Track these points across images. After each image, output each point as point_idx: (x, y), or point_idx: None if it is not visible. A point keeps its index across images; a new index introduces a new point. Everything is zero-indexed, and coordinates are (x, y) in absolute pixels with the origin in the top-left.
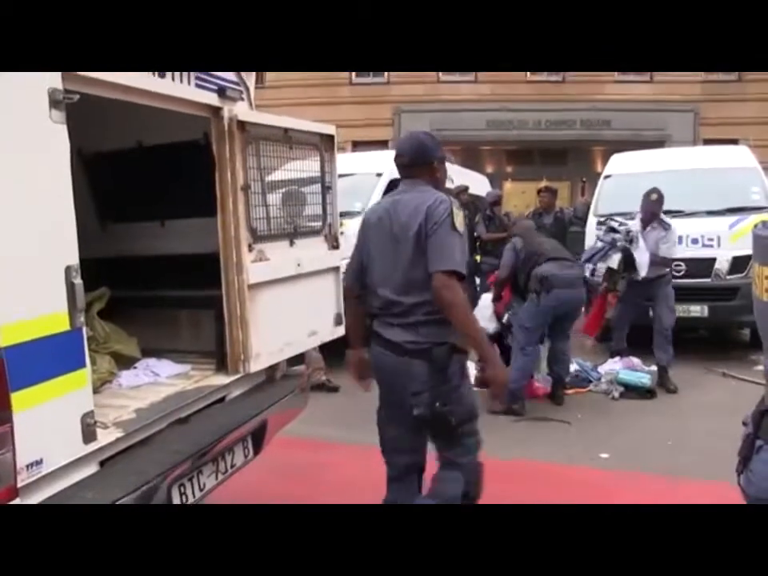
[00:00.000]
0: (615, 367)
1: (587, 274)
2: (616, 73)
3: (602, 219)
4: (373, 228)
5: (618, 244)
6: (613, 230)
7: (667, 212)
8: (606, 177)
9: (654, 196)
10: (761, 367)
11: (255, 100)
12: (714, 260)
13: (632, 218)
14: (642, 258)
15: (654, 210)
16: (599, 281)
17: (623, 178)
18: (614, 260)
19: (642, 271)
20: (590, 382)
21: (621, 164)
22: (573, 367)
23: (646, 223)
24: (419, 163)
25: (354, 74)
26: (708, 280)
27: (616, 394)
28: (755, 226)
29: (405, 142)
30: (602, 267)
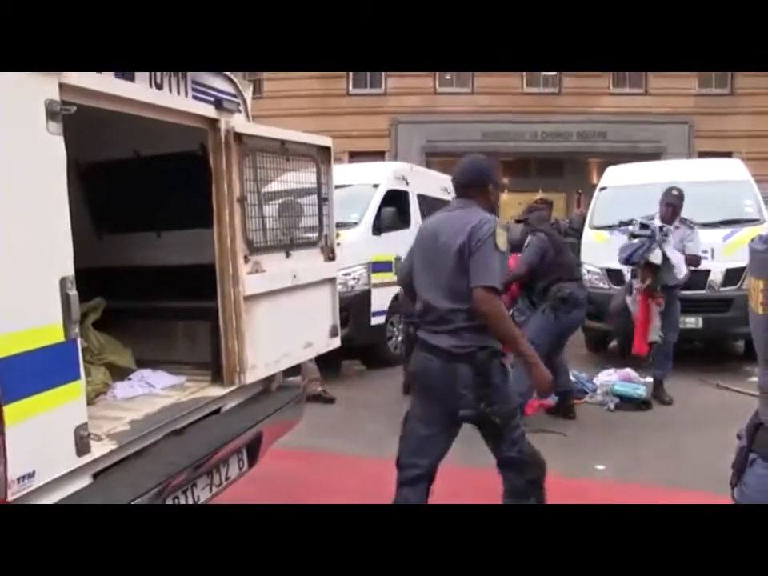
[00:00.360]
0: (611, 379)
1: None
2: (611, 85)
3: (626, 220)
4: (423, 238)
5: (657, 238)
6: (644, 225)
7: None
8: (602, 189)
9: (675, 192)
10: (755, 379)
11: (252, 110)
12: (708, 272)
13: (651, 219)
14: (676, 257)
15: (675, 203)
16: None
17: (619, 190)
18: (657, 255)
19: (683, 268)
20: (586, 393)
21: (616, 176)
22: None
23: (666, 223)
24: (474, 185)
25: (350, 84)
26: (702, 292)
27: (611, 406)
28: (752, 240)
29: (463, 165)
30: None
